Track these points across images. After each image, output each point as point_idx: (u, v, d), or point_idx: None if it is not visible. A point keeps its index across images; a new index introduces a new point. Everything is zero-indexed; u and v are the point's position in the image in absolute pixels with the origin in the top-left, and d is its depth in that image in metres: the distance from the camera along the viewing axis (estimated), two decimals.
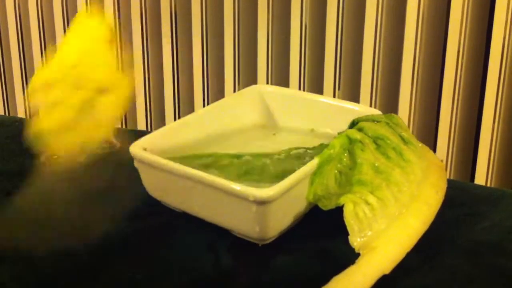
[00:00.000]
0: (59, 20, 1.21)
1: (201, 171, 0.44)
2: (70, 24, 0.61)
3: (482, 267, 0.42)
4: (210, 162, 0.49)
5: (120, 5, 1.16)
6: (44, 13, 1.23)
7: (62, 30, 1.22)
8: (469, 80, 0.93)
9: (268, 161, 0.50)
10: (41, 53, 1.25)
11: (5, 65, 1.31)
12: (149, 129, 1.19)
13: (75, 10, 1.19)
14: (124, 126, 1.19)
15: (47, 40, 1.24)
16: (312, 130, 0.56)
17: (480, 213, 0.49)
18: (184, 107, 1.17)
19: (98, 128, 0.56)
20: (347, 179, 0.44)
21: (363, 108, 0.54)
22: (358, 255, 0.39)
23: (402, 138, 0.46)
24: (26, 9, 1.23)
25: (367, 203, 0.41)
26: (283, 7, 1.02)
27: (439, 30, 0.93)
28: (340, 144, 0.46)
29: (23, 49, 1.27)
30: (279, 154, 0.50)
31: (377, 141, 0.45)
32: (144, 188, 0.49)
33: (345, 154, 0.45)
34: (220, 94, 1.13)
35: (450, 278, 0.41)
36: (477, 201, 0.51)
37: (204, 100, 1.15)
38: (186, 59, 1.15)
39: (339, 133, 0.47)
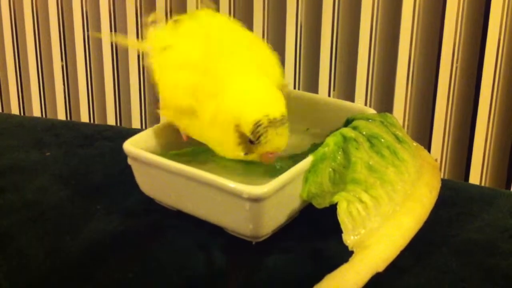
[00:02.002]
0: (54, 19, 1.21)
1: (194, 166, 0.44)
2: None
3: (474, 267, 0.42)
4: (203, 158, 0.49)
5: (116, 5, 1.16)
6: (39, 14, 1.22)
7: (57, 30, 1.21)
8: (464, 80, 0.94)
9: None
10: (36, 51, 1.25)
11: None
12: (143, 128, 1.19)
13: (70, 11, 1.19)
14: (118, 124, 1.19)
15: (42, 40, 1.24)
16: (307, 129, 0.56)
17: (473, 213, 0.49)
18: None
19: None
20: (341, 178, 0.44)
21: (358, 107, 0.54)
22: (351, 253, 0.39)
23: (396, 137, 0.46)
24: (21, 11, 1.23)
25: (361, 201, 0.41)
26: (278, 6, 1.02)
27: (434, 29, 0.93)
28: (334, 142, 0.46)
29: (17, 45, 1.27)
30: None
31: (371, 139, 0.46)
32: (137, 186, 0.49)
33: (339, 153, 0.45)
34: None
35: (442, 277, 0.41)
36: (470, 201, 0.51)
37: None
38: None
39: (333, 131, 0.47)
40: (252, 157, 0.45)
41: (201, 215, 0.46)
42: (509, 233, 0.46)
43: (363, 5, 0.95)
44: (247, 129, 0.44)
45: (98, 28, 1.18)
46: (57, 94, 1.25)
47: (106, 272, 0.42)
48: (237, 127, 0.44)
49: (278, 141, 0.45)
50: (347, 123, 0.49)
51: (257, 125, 0.43)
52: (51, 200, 0.51)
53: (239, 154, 0.45)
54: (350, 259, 0.39)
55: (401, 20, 0.94)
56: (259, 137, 0.44)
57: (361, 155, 0.44)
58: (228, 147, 0.46)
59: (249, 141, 0.44)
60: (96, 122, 1.21)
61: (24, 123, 0.68)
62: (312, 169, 0.44)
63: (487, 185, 0.96)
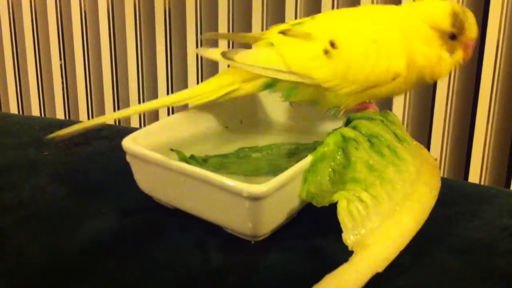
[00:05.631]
0: (53, 18, 1.21)
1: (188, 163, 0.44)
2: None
3: (473, 266, 0.42)
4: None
5: (114, 3, 1.16)
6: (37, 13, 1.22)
7: (56, 29, 1.21)
8: (463, 78, 0.93)
9: (259, 155, 0.50)
10: (34, 50, 1.25)
11: None
12: (142, 127, 1.18)
13: (69, 10, 1.19)
14: (117, 123, 1.19)
15: (40, 39, 1.24)
16: (307, 129, 0.56)
17: (472, 212, 0.48)
18: None
19: None
20: (341, 177, 0.44)
21: None
22: (351, 252, 0.39)
23: (396, 136, 0.46)
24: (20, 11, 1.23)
25: (361, 200, 0.41)
26: (277, 7, 1.02)
27: None
28: (334, 142, 0.45)
29: (16, 44, 1.27)
30: (270, 149, 0.50)
31: (371, 139, 0.45)
32: (135, 185, 0.49)
33: (339, 152, 0.45)
34: None
35: (441, 277, 0.41)
36: (469, 200, 0.50)
37: None
38: (180, 57, 1.15)
39: (333, 131, 0.47)
40: (458, 56, 0.46)
41: (200, 213, 0.45)
42: (508, 232, 0.46)
43: (362, 5, 0.95)
44: (446, 24, 0.44)
45: (96, 28, 1.18)
46: (55, 93, 1.25)
47: (103, 270, 0.42)
48: (434, 28, 0.44)
49: (475, 26, 0.44)
50: (347, 122, 0.48)
51: (455, 15, 0.44)
52: (49, 199, 0.50)
53: (445, 55, 0.46)
54: (350, 258, 0.39)
55: None
56: (462, 26, 0.44)
57: (361, 155, 0.44)
58: (432, 56, 0.45)
59: (451, 37, 0.44)
60: None
61: (22, 122, 0.67)
62: (311, 169, 0.44)
63: (487, 183, 0.96)
